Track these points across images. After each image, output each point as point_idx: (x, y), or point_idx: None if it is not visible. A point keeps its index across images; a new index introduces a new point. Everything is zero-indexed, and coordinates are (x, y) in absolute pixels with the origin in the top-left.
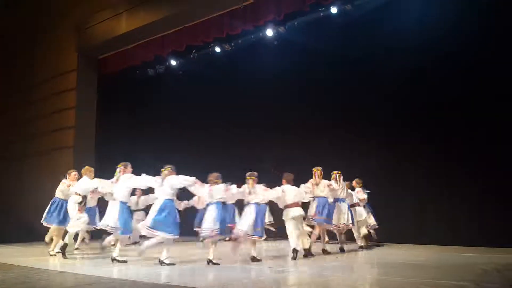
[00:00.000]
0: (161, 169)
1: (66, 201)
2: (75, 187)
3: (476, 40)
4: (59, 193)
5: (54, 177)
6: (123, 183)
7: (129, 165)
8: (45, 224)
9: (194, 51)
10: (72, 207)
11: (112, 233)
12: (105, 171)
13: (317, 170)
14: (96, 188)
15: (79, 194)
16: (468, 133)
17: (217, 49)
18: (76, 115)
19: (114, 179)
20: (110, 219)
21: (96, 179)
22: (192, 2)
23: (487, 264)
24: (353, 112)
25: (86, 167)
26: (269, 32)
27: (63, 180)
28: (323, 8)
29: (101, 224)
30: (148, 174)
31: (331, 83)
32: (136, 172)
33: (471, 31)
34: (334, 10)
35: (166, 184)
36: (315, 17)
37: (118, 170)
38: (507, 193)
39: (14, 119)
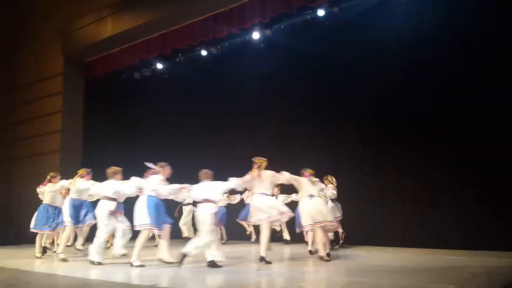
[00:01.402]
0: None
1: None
2: (106, 191)
3: (468, 40)
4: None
5: (42, 180)
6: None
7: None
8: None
9: (180, 54)
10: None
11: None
12: (92, 174)
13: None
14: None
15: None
16: (455, 137)
17: (203, 52)
18: (63, 119)
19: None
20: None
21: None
22: (176, 6)
23: (476, 268)
24: (340, 113)
25: (113, 168)
26: (256, 35)
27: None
28: (310, 11)
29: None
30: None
31: (318, 86)
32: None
33: (461, 31)
34: (321, 12)
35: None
36: (302, 20)
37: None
38: (497, 196)
39: (2, 122)
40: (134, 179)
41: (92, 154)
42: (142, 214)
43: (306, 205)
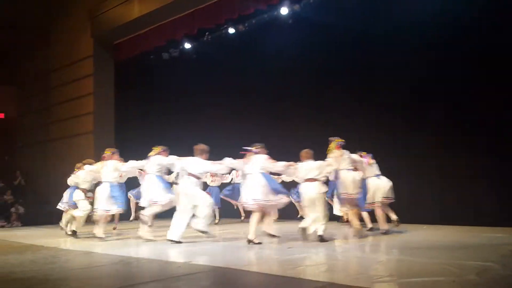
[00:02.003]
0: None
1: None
2: (193, 168)
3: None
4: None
5: (77, 161)
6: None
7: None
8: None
9: (207, 33)
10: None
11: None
12: (124, 155)
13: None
14: None
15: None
16: (495, 106)
17: (231, 31)
18: (95, 100)
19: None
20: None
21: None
22: None
23: None
24: (374, 86)
25: (202, 146)
26: (284, 11)
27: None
28: None
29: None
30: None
31: (351, 62)
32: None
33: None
34: None
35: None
36: None
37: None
38: None
39: (36, 106)
40: (228, 160)
41: (124, 135)
42: (256, 191)
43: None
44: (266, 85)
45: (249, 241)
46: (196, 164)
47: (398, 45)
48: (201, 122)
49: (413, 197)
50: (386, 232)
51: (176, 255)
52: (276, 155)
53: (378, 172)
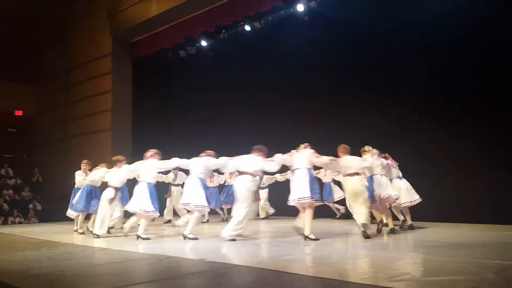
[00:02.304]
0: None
1: None
2: (247, 166)
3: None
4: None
5: (95, 158)
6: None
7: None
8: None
9: (224, 31)
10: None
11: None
12: (141, 152)
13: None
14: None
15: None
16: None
17: (247, 28)
18: (113, 98)
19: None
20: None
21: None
22: None
23: None
24: (391, 83)
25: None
26: (300, 7)
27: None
28: None
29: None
30: (181, 155)
31: (366, 58)
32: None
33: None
34: None
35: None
36: None
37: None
38: None
39: (54, 103)
40: (279, 156)
41: (142, 132)
42: (302, 188)
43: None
44: (282, 82)
45: (306, 237)
46: (250, 162)
47: (416, 40)
48: (218, 119)
49: (431, 195)
50: (393, 231)
51: (190, 252)
52: (287, 150)
53: (400, 174)
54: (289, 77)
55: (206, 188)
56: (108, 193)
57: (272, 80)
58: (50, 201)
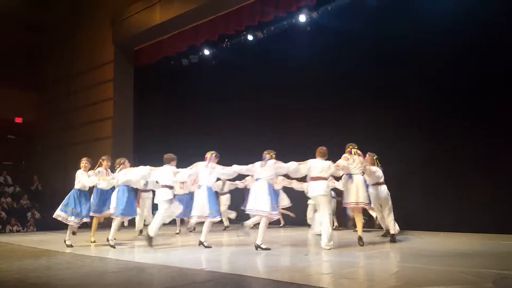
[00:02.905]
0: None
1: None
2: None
3: None
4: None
5: (95, 166)
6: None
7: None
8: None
9: (226, 40)
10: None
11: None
12: (142, 160)
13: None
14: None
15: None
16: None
17: (250, 37)
18: (114, 106)
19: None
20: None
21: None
22: None
23: None
24: (390, 96)
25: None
26: (302, 18)
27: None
28: None
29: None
30: (182, 163)
31: (366, 68)
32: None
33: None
34: None
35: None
36: (349, 1)
37: None
38: None
39: (55, 110)
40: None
41: (143, 140)
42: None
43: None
44: (284, 91)
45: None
46: (320, 165)
47: (417, 50)
48: (219, 127)
49: (429, 204)
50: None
51: (190, 262)
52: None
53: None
54: (291, 86)
55: (273, 193)
56: (164, 194)
57: (273, 89)
58: (49, 210)
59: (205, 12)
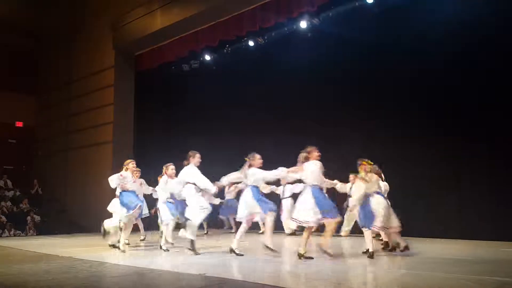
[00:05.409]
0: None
1: None
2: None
3: None
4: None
5: (95, 171)
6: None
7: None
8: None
9: (227, 45)
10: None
11: None
12: (143, 165)
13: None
14: None
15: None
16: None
17: (250, 43)
18: (115, 111)
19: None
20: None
21: None
22: None
23: None
24: (390, 101)
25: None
26: (303, 24)
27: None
28: None
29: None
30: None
31: (367, 74)
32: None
33: None
34: None
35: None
36: (350, 7)
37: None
38: None
39: (56, 115)
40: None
41: (143, 145)
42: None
43: None
44: (284, 97)
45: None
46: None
47: (418, 56)
48: (219, 133)
49: (430, 211)
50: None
51: (190, 267)
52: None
53: None
54: (291, 93)
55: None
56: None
57: (273, 95)
58: (49, 214)
59: (206, 17)
